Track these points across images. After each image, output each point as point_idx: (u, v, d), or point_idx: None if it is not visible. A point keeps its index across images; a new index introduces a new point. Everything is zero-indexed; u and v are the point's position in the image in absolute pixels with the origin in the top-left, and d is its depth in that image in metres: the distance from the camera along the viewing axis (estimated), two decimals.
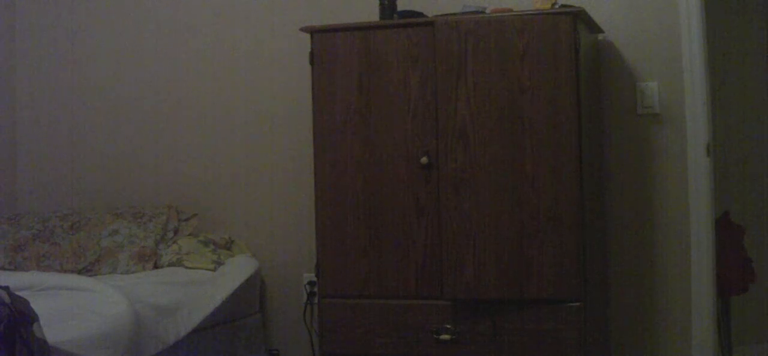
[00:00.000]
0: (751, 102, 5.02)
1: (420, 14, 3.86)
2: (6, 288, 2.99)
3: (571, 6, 3.60)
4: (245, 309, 4.30)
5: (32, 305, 3.02)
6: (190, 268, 4.18)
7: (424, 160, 3.64)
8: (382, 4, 3.91)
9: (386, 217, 3.71)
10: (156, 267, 4.28)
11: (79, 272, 4.18)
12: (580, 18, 3.56)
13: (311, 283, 4.37)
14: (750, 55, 5.03)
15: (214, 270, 4.20)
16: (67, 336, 3.15)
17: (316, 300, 4.14)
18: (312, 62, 3.80)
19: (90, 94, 4.83)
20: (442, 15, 3.74)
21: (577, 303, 3.50)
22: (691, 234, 3.98)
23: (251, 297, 4.36)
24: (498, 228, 3.55)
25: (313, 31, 3.81)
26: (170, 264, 4.26)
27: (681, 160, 4.00)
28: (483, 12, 3.70)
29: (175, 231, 4.45)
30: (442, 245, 3.63)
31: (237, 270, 4.26)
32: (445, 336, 3.63)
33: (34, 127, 4.91)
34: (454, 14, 3.71)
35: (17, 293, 3.06)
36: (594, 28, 3.91)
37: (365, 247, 3.73)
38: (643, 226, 4.06)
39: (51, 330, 3.02)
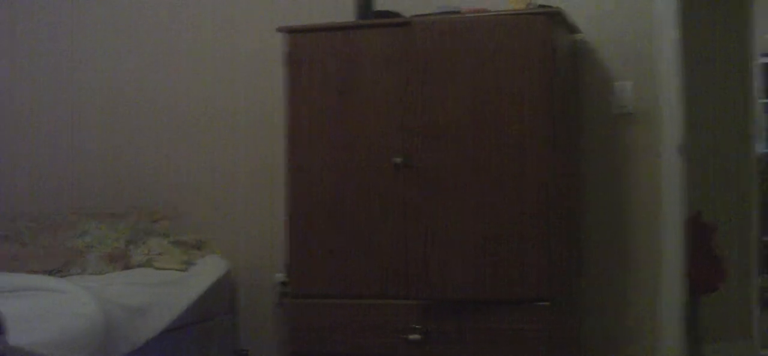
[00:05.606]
0: (723, 102, 5.05)
1: (396, 14, 3.83)
2: None
3: (548, 6, 3.59)
4: (216, 309, 4.28)
5: (1, 307, 2.96)
6: (161, 269, 4.15)
7: (397, 159, 3.62)
8: (358, 3, 3.87)
9: (358, 217, 3.69)
10: (126, 268, 4.24)
11: (49, 273, 4.12)
12: (556, 19, 3.54)
13: (282, 283, 4.34)
14: (723, 55, 5.06)
15: (185, 270, 4.17)
16: (36, 338, 3.11)
17: (286, 300, 4.11)
18: (286, 63, 3.77)
19: (65, 95, 4.77)
20: (418, 15, 3.72)
21: (546, 303, 3.49)
22: (662, 233, 3.99)
23: (222, 297, 4.34)
24: (467, 229, 3.54)
25: (289, 31, 3.78)
26: (140, 265, 4.22)
27: (654, 159, 4.01)
28: (458, 12, 3.68)
29: (146, 233, 4.41)
30: (412, 245, 3.61)
31: (207, 271, 4.25)
32: (414, 336, 3.62)
33: (4, 130, 4.85)
34: (431, 14, 3.69)
35: None
36: (571, 28, 3.90)
37: (337, 248, 3.71)
38: (616, 225, 4.07)
39: (20, 332, 2.97)
